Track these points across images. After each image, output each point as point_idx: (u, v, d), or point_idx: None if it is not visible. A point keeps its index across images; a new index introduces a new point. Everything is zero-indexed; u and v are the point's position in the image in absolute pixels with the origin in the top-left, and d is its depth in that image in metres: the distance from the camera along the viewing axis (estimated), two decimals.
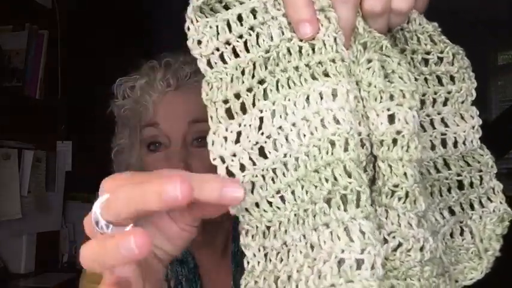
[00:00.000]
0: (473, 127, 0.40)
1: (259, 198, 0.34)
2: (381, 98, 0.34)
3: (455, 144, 0.39)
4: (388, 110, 0.34)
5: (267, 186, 0.34)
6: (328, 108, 0.32)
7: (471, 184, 0.40)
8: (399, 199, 0.33)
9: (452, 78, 0.40)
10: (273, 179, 0.34)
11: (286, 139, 0.34)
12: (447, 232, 0.39)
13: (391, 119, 0.34)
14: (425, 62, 0.39)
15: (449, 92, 0.39)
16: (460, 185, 0.40)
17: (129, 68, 0.82)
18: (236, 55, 0.35)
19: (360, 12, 0.35)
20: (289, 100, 0.34)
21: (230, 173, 0.34)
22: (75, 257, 2.10)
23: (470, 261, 0.39)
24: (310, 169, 0.33)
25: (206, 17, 0.35)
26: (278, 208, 0.34)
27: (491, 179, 0.40)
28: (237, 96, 0.35)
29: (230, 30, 0.35)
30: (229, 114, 0.35)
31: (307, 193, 0.33)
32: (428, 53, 0.39)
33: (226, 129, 0.34)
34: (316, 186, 0.33)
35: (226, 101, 0.35)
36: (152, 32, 3.09)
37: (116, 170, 0.84)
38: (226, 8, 0.36)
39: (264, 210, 0.34)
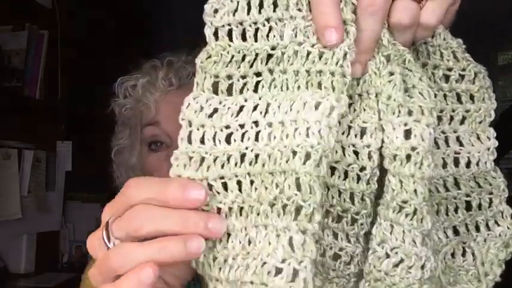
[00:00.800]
0: (488, 149, 0.39)
1: (200, 176, 0.34)
2: (399, 112, 0.34)
3: (468, 164, 0.39)
4: (405, 125, 0.33)
5: (214, 168, 0.34)
6: (305, 120, 0.32)
7: (479, 206, 0.39)
8: (406, 215, 0.33)
9: (472, 97, 0.39)
10: (222, 165, 0.34)
11: (256, 135, 0.34)
12: (448, 251, 0.39)
13: (407, 134, 0.33)
14: (446, 78, 0.39)
15: (467, 111, 0.39)
16: (468, 206, 0.40)
17: (129, 68, 0.81)
18: (244, 39, 0.35)
19: (385, 24, 0.35)
20: (275, 101, 0.34)
21: (189, 138, 0.34)
22: (75, 257, 2.10)
23: (469, 283, 0.39)
24: (266, 169, 0.33)
25: None
26: (218, 193, 0.34)
27: (501, 202, 0.39)
28: (229, 77, 0.35)
29: (248, 13, 0.35)
30: (215, 88, 0.35)
31: (255, 190, 0.33)
32: (450, 69, 0.38)
33: (207, 101, 0.35)
34: (266, 188, 0.33)
35: (217, 76, 0.35)
36: (152, 32, 3.09)
37: (116, 170, 0.84)
38: None
39: None
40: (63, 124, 2.09)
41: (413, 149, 0.33)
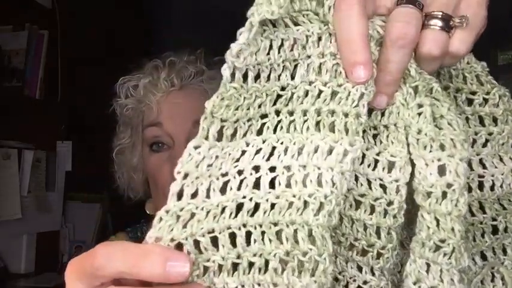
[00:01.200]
0: (511, 170, 0.38)
1: (186, 235, 0.30)
2: (431, 146, 0.32)
3: (492, 187, 0.38)
4: (439, 160, 0.32)
5: (205, 222, 0.30)
6: (316, 166, 0.31)
7: (505, 229, 0.38)
8: (444, 255, 0.32)
9: (495, 119, 0.38)
10: (214, 217, 0.30)
11: (257, 181, 0.31)
12: (479, 280, 0.38)
13: (441, 169, 0.32)
14: (469, 101, 0.38)
15: (490, 134, 0.38)
16: (494, 230, 0.39)
17: (130, 68, 0.81)
18: (256, 79, 0.33)
19: (412, 54, 0.33)
20: (281, 144, 0.32)
21: (180, 194, 0.31)
22: (75, 256, 2.10)
23: None
24: (269, 219, 0.30)
25: (262, 28, 0.33)
26: (205, 249, 0.30)
27: None
28: (236, 121, 0.32)
29: (268, 54, 0.33)
30: (219, 134, 0.32)
31: (255, 242, 0.30)
32: (473, 93, 0.38)
33: (209, 149, 0.31)
34: (270, 240, 0.30)
35: (225, 121, 0.32)
36: (152, 31, 3.09)
37: (117, 170, 0.84)
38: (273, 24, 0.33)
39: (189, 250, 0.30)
40: (63, 124, 2.09)
41: (448, 185, 0.31)
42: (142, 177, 0.81)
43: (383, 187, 0.34)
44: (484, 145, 0.38)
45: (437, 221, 0.32)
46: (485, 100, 0.38)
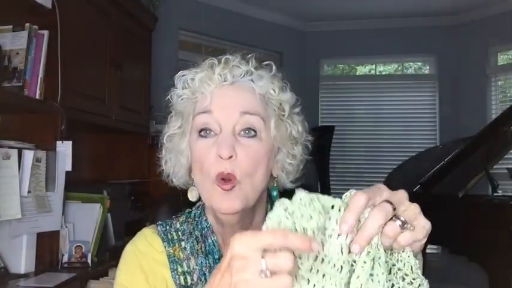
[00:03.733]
0: None
1: None
2: None
3: None
4: None
5: None
6: None
7: None
8: None
9: None
10: None
11: None
12: None
13: None
14: (403, 278, 0.58)
15: None
16: None
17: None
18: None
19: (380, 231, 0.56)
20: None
21: None
22: (75, 257, 2.10)
23: None
24: None
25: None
26: None
27: None
28: None
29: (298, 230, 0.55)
30: None
31: None
32: (406, 275, 0.57)
33: None
34: None
35: None
36: (152, 31, 3.08)
37: (166, 154, 0.91)
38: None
39: None
40: (63, 124, 2.09)
41: None
42: (187, 163, 0.89)
43: None
44: None
45: None
46: (411, 282, 0.57)
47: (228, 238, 0.84)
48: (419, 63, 5.37)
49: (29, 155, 1.87)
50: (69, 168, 2.09)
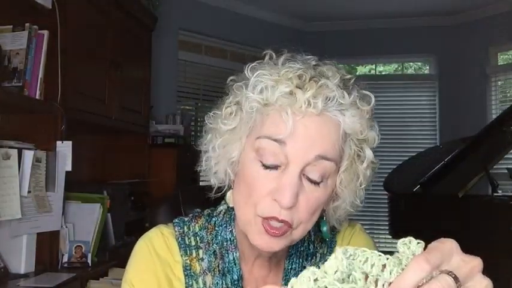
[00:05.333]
0: None
1: None
2: None
3: None
4: None
5: None
6: None
7: None
8: None
9: None
10: None
11: None
12: None
13: None
14: None
15: None
16: None
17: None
18: None
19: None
20: None
21: None
22: (75, 257, 2.10)
23: None
24: None
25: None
26: None
27: None
28: None
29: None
30: None
31: None
32: None
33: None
34: None
35: None
36: (153, 30, 3.08)
37: (211, 152, 0.77)
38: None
39: None
40: (63, 124, 2.09)
41: None
42: (231, 169, 0.75)
43: None
44: None
45: None
46: None
47: (246, 260, 0.78)
48: (419, 63, 5.37)
49: (29, 155, 1.87)
50: (69, 168, 2.09)
